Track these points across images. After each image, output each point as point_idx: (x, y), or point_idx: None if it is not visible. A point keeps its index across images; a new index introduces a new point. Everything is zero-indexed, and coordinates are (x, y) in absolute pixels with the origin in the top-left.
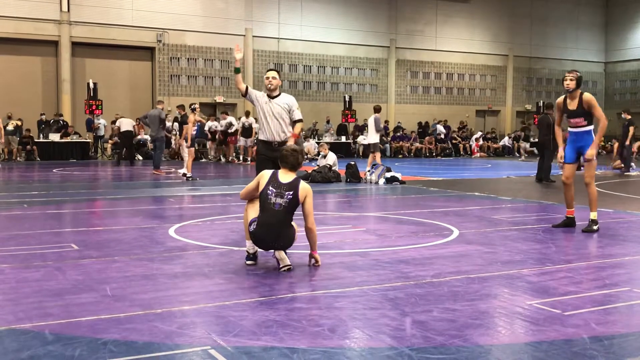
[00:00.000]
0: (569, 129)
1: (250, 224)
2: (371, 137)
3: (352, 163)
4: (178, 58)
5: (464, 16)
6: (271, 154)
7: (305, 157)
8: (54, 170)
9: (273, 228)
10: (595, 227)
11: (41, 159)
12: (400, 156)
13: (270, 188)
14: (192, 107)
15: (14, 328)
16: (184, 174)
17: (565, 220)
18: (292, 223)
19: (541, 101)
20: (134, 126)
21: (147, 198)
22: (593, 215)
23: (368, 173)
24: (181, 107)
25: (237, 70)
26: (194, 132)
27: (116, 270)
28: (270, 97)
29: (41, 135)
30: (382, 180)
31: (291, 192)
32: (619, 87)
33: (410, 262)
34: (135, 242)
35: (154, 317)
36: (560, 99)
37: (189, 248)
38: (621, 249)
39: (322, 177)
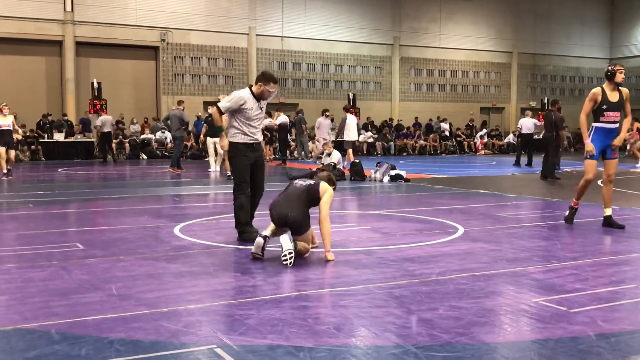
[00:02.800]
0: (603, 124)
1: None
2: (354, 135)
3: (357, 161)
4: (182, 57)
5: (468, 13)
6: (253, 155)
7: (310, 155)
8: (59, 170)
9: (291, 198)
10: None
11: (46, 159)
12: (404, 154)
13: (293, 181)
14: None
15: (21, 328)
16: (227, 174)
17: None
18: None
19: (545, 98)
20: (113, 125)
21: (152, 197)
22: (609, 211)
23: (372, 171)
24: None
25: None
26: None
27: (122, 270)
28: (258, 101)
29: (46, 135)
30: (386, 178)
31: (313, 182)
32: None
33: (415, 260)
34: (140, 241)
35: (159, 316)
36: (599, 89)
37: (194, 247)
38: (627, 245)
39: None
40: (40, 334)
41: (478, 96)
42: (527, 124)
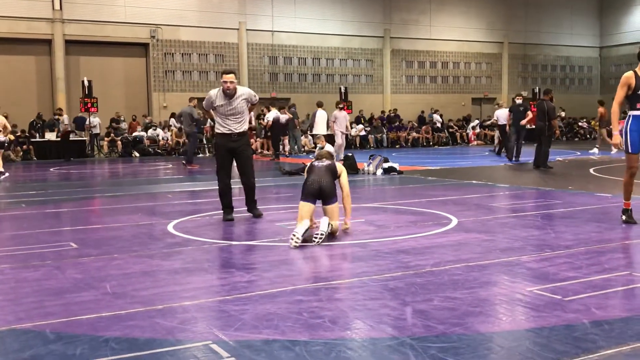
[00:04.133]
0: (637, 111)
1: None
2: (322, 129)
3: (350, 154)
4: (172, 53)
5: (458, 4)
6: (230, 145)
7: (302, 149)
8: (51, 169)
9: (320, 173)
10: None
11: (38, 159)
12: (397, 146)
13: (313, 162)
14: None
15: (15, 328)
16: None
17: (630, 213)
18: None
19: (537, 87)
20: (67, 125)
21: (145, 195)
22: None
23: (365, 164)
24: None
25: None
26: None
27: (116, 268)
28: (229, 96)
29: (37, 135)
30: (379, 171)
31: (329, 161)
32: (615, 72)
33: (409, 251)
34: (134, 239)
35: (155, 314)
36: (631, 73)
37: (188, 243)
38: (620, 233)
39: None
40: (35, 334)
41: (469, 87)
42: (502, 115)
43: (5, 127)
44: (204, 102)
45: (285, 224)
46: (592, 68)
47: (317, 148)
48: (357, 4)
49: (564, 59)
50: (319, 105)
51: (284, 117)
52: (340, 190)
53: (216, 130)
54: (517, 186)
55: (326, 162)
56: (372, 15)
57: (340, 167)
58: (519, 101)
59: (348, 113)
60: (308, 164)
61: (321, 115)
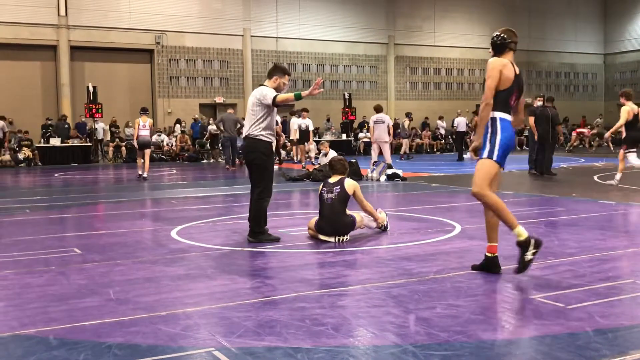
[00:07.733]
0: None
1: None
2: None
3: (353, 160)
4: (177, 60)
5: (462, 11)
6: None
7: (306, 156)
8: (55, 175)
9: (329, 218)
10: (527, 257)
11: (42, 164)
12: (401, 153)
13: (323, 188)
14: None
15: (19, 334)
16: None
17: (483, 260)
18: (353, 213)
19: (541, 94)
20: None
21: (149, 200)
22: (516, 232)
23: (369, 170)
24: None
25: (298, 96)
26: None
27: (119, 274)
28: None
29: (42, 140)
30: (383, 177)
31: (338, 187)
32: (619, 79)
33: (413, 258)
34: (138, 245)
35: (157, 320)
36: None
37: (191, 250)
38: (623, 241)
39: (324, 175)
40: (38, 339)
41: (474, 93)
42: (462, 122)
43: None
44: (278, 96)
45: (288, 230)
46: (597, 75)
47: (321, 154)
48: (361, 10)
49: (568, 66)
50: (292, 113)
51: (304, 123)
52: (360, 207)
53: (266, 140)
54: (521, 193)
55: (334, 193)
56: (376, 21)
57: (350, 186)
58: (539, 103)
59: (351, 120)
60: (320, 187)
61: (295, 123)
